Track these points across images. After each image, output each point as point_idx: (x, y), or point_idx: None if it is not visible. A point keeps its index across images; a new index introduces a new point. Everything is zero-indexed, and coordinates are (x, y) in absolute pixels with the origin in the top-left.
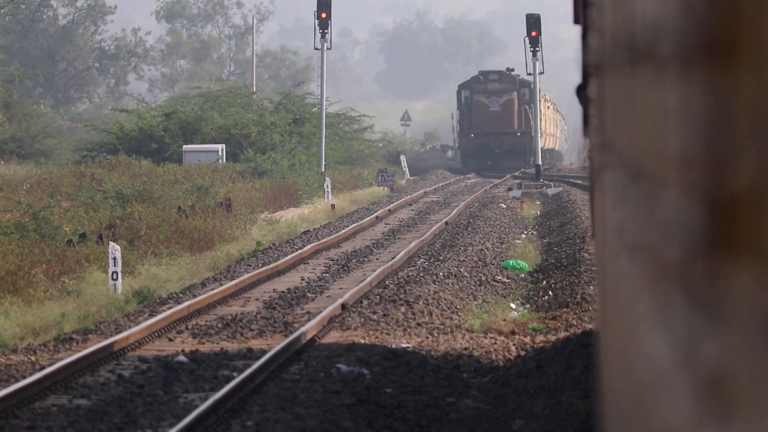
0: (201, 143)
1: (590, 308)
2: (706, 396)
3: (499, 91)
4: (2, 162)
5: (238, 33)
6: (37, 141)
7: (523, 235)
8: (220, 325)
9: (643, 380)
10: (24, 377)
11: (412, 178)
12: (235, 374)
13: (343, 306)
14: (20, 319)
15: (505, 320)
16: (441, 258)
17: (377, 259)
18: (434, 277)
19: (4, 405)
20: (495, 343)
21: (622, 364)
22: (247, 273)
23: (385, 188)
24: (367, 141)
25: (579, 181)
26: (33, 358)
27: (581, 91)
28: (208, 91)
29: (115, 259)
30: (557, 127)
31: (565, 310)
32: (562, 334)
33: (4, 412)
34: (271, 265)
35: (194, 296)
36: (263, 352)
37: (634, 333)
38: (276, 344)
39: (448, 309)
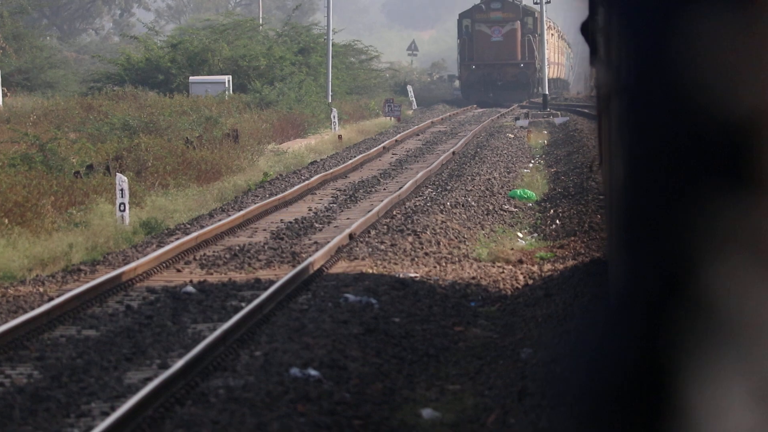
0: (208, 75)
1: (598, 237)
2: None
3: (502, 20)
4: (9, 94)
5: None
6: (44, 72)
7: (531, 165)
8: (227, 256)
9: None
10: (32, 308)
11: (419, 108)
12: (243, 304)
13: (351, 236)
14: (28, 250)
15: (512, 249)
16: (448, 188)
17: (384, 189)
18: (442, 207)
19: (13, 335)
20: (503, 272)
21: None
22: (255, 203)
23: (392, 119)
24: (374, 71)
25: (586, 110)
26: (41, 290)
27: (586, 27)
28: (216, 23)
29: (122, 190)
30: (563, 55)
31: (572, 238)
32: (570, 263)
33: (13, 343)
34: (279, 196)
35: (202, 227)
36: (271, 282)
37: None
38: (284, 274)
39: (456, 238)
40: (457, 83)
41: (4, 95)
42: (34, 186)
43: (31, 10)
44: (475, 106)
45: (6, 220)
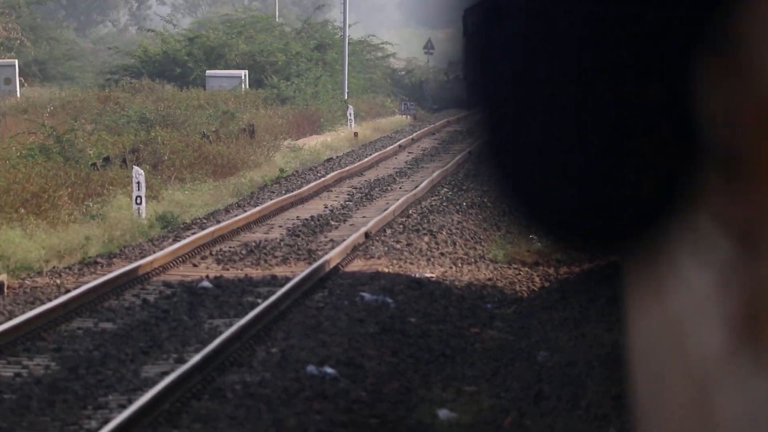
0: (224, 69)
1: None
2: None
3: None
4: (26, 84)
5: None
6: (61, 64)
7: None
8: (244, 252)
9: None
10: (50, 300)
11: (435, 106)
12: (259, 301)
13: (367, 234)
14: (45, 241)
15: (528, 251)
16: (464, 188)
17: (400, 187)
18: (458, 207)
19: (31, 327)
20: (519, 274)
21: None
22: (271, 200)
23: (408, 117)
24: (391, 69)
25: None
26: (58, 281)
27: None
28: (234, 18)
29: (138, 183)
30: None
31: None
32: (587, 266)
33: (30, 334)
34: (295, 192)
35: (218, 222)
36: (287, 279)
37: None
38: (300, 271)
39: (472, 239)
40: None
41: (21, 86)
42: (51, 177)
43: (48, 1)
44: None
45: (23, 211)
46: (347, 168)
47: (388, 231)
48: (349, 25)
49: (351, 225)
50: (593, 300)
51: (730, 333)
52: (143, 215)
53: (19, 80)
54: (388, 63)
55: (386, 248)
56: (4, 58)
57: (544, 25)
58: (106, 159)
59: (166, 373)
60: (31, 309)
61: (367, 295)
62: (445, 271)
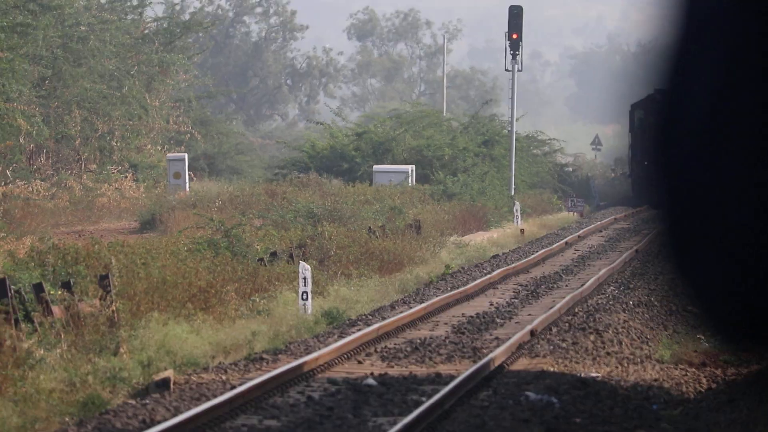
0: (391, 163)
1: None
2: None
3: None
4: (195, 178)
5: (428, 53)
6: (229, 157)
7: None
8: (408, 349)
9: None
10: (215, 396)
11: (602, 203)
12: (423, 399)
13: (532, 332)
14: (212, 337)
15: (696, 351)
16: (631, 286)
17: (566, 285)
18: (624, 306)
19: (196, 423)
20: (685, 375)
21: None
22: (436, 296)
23: (575, 214)
24: (558, 165)
25: None
26: (224, 377)
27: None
28: (402, 112)
29: (305, 278)
30: None
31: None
32: (755, 367)
33: (195, 430)
34: (460, 289)
35: (383, 318)
36: (452, 377)
37: None
38: (465, 369)
39: (638, 338)
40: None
41: (190, 179)
42: (218, 272)
43: (218, 96)
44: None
45: (190, 305)
46: (513, 265)
47: (554, 329)
48: (517, 119)
49: (516, 323)
50: (762, 402)
51: None
52: (309, 311)
53: (189, 174)
54: (554, 158)
55: (552, 347)
56: (174, 152)
57: (731, 115)
58: (273, 254)
59: None
60: (197, 405)
61: (531, 395)
62: (611, 371)
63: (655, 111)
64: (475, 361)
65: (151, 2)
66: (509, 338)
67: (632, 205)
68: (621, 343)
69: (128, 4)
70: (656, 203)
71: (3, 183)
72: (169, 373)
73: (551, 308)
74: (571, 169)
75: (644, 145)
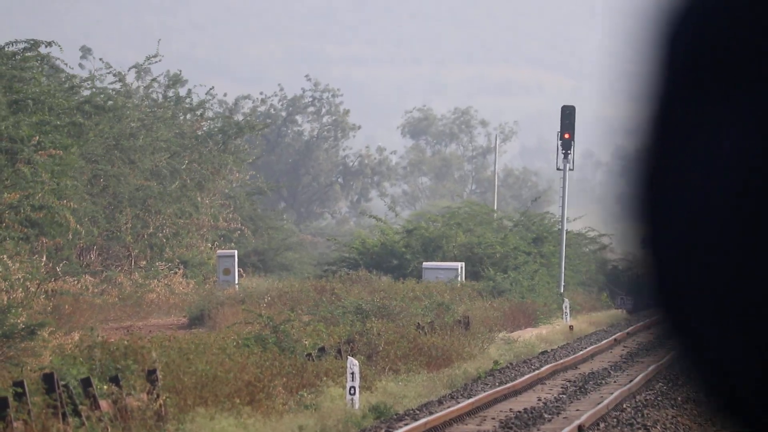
0: (441, 260)
1: None
2: None
3: None
4: (245, 274)
5: (480, 152)
6: (279, 254)
7: None
8: None
9: None
10: None
11: (650, 301)
12: None
13: (580, 428)
14: (259, 431)
15: None
16: (679, 382)
17: (615, 381)
18: (672, 402)
19: None
20: None
21: None
22: (484, 392)
23: (624, 311)
24: (608, 263)
25: None
26: None
27: None
28: (454, 209)
29: (353, 374)
30: None
31: None
32: None
33: None
34: (508, 385)
35: (431, 413)
36: None
37: None
38: None
39: None
40: None
41: (240, 276)
42: (266, 367)
43: (269, 193)
44: None
45: (237, 400)
46: (562, 361)
47: (602, 424)
48: (569, 220)
49: (564, 418)
50: None
51: None
52: (356, 405)
53: (238, 270)
54: (604, 256)
55: None
56: (224, 248)
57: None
58: (322, 349)
59: None
60: None
61: None
62: None
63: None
64: None
65: (208, 102)
66: None
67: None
68: None
69: (185, 104)
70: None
71: (53, 278)
72: None
73: (599, 404)
74: (621, 267)
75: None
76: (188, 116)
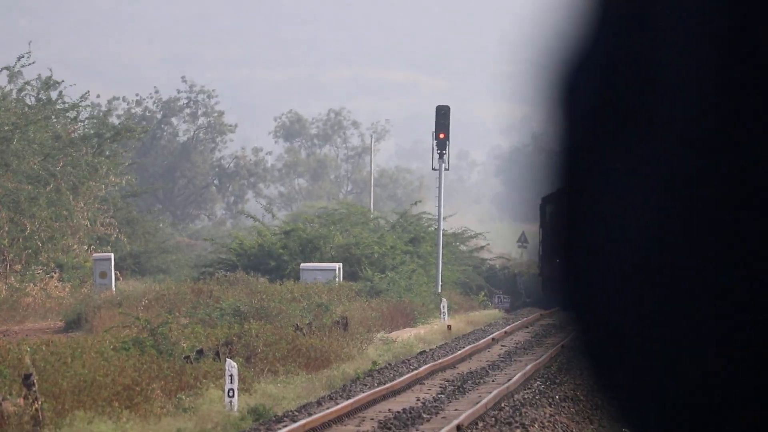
0: (319, 261)
1: None
2: None
3: None
4: (121, 278)
5: (356, 153)
6: (155, 257)
7: None
8: None
9: None
10: None
11: (528, 300)
12: None
13: (459, 427)
14: None
15: None
16: (557, 381)
17: (493, 380)
18: (550, 400)
19: None
20: None
21: None
22: (363, 392)
23: (502, 310)
24: (484, 260)
25: None
26: None
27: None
28: (330, 210)
29: (231, 376)
30: None
31: None
32: None
33: None
34: (387, 385)
35: (309, 415)
36: None
37: None
38: None
39: None
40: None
41: (117, 279)
42: (144, 370)
43: (144, 195)
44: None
45: (115, 404)
46: (440, 361)
47: (480, 424)
48: (445, 218)
49: (443, 418)
50: None
51: None
52: (235, 408)
53: (115, 273)
54: (481, 256)
55: None
56: (100, 252)
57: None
58: (200, 352)
59: None
60: None
61: None
62: None
63: (564, 205)
64: None
65: (79, 106)
66: None
67: (544, 307)
68: None
69: (58, 106)
70: (566, 305)
71: None
72: None
73: (477, 403)
74: (497, 266)
75: (554, 241)
76: (61, 118)
